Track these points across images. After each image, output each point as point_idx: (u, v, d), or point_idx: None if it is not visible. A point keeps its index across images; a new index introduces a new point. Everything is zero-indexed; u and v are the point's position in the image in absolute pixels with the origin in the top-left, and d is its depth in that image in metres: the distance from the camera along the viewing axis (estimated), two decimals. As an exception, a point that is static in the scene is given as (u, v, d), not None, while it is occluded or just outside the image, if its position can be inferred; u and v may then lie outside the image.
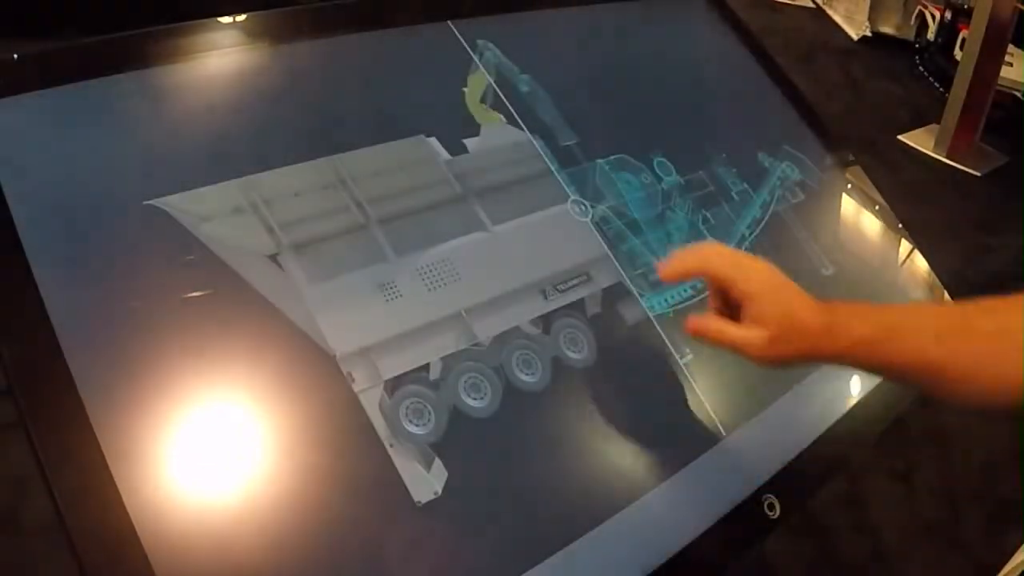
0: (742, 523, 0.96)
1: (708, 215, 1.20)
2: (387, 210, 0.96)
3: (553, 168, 1.11)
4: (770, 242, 1.23)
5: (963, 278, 1.99)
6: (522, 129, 1.12)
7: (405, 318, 0.90)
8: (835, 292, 1.26)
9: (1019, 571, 1.50)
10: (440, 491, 0.82)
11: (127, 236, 0.83)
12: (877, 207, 1.42)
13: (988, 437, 2.08)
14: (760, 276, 0.78)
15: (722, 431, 1.02)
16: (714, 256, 0.82)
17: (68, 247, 0.80)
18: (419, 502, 0.81)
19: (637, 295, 1.06)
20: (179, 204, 0.86)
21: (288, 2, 1.18)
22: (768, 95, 1.46)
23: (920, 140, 3.37)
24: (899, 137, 3.41)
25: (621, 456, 0.95)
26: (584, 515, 0.88)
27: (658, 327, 1.05)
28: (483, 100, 1.12)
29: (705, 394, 1.04)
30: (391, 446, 0.82)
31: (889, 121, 3.55)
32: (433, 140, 1.04)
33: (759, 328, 0.76)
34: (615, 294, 1.05)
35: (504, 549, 0.84)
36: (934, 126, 3.36)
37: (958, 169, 3.23)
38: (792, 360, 0.77)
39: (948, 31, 3.68)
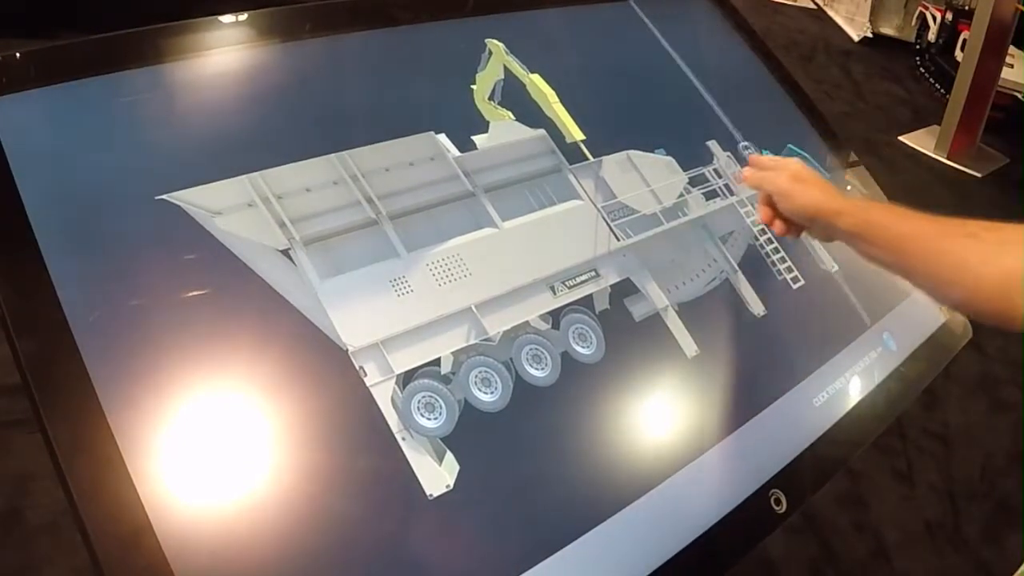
0: (750, 517, 0.97)
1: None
2: (397, 206, 0.97)
3: (562, 165, 1.12)
4: (775, 239, 1.23)
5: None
6: (530, 126, 1.13)
7: (416, 313, 0.91)
8: (838, 289, 1.27)
9: None
10: (452, 484, 0.83)
11: (140, 231, 0.84)
12: (880, 206, 1.43)
13: (988, 437, 2.10)
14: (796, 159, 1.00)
15: (728, 427, 1.03)
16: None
17: (82, 242, 0.81)
18: (431, 495, 0.82)
19: (644, 291, 1.07)
20: (191, 199, 0.87)
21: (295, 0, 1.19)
22: (772, 95, 1.47)
23: (921, 141, 3.39)
24: (900, 138, 3.43)
25: (631, 450, 0.96)
26: (594, 508, 0.88)
27: (667, 323, 1.06)
28: (491, 97, 1.13)
29: (712, 390, 1.05)
30: (403, 439, 0.83)
31: (890, 122, 3.56)
32: (442, 136, 1.05)
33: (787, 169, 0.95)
34: (623, 290, 1.05)
35: (515, 542, 0.84)
36: (935, 127, 3.38)
37: (959, 170, 3.25)
38: (806, 198, 0.90)
39: (949, 32, 3.70)
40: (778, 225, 0.94)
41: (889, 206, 0.90)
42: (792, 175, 0.93)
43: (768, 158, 1.02)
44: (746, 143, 1.31)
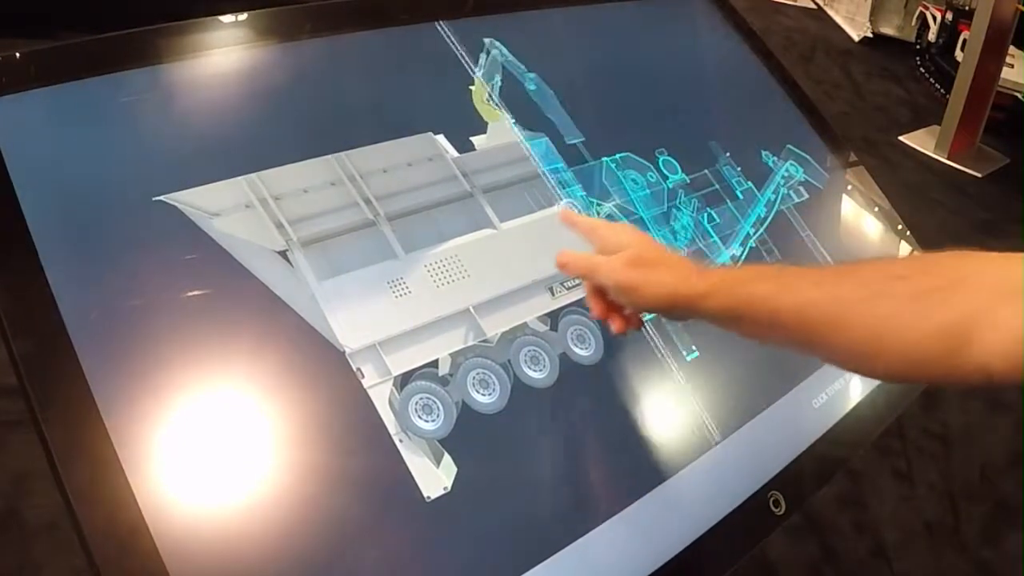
0: (749, 519, 0.97)
1: (713, 213, 1.21)
2: (396, 207, 0.97)
3: (560, 166, 1.12)
4: (774, 241, 1.23)
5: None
6: (529, 128, 1.13)
7: (414, 314, 0.90)
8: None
9: None
10: (449, 486, 0.82)
11: (137, 232, 0.84)
12: (879, 208, 1.42)
13: (988, 437, 2.09)
14: (626, 226, 0.81)
15: (727, 429, 1.03)
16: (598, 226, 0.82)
17: (79, 243, 0.81)
18: (428, 497, 0.81)
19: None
20: (189, 200, 0.86)
21: (294, 0, 1.19)
22: (772, 95, 1.47)
23: (921, 141, 3.38)
24: (900, 138, 3.43)
25: (629, 451, 0.95)
26: (593, 510, 0.88)
27: (665, 325, 1.05)
28: (490, 98, 1.13)
29: (710, 391, 1.04)
30: (400, 441, 0.83)
31: (890, 122, 3.56)
32: (440, 137, 1.05)
33: (621, 252, 0.75)
34: (622, 292, 1.05)
35: (513, 544, 0.84)
36: (935, 127, 3.38)
37: (959, 170, 3.25)
38: (655, 289, 0.72)
39: (949, 32, 3.70)
40: (618, 322, 0.76)
41: (770, 271, 0.70)
42: (630, 259, 0.73)
43: (586, 222, 0.82)
44: (569, 200, 1.07)
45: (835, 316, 0.62)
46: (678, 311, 0.72)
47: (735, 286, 0.69)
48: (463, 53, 1.15)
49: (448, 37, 1.16)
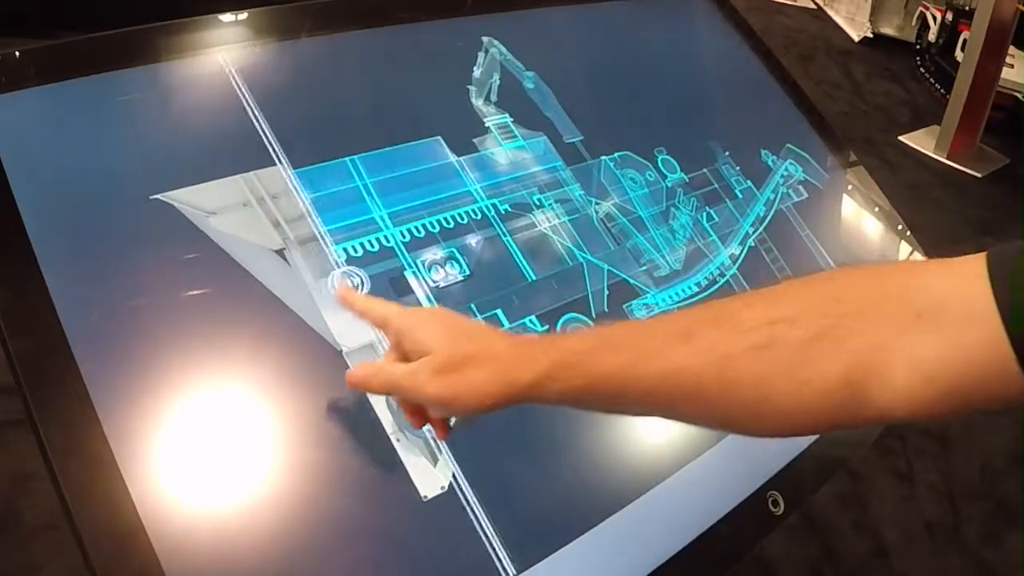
0: (747, 519, 0.96)
1: (712, 212, 1.21)
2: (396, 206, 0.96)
3: (558, 165, 1.12)
4: (773, 240, 1.23)
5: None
6: (527, 126, 1.13)
7: (412, 313, 0.90)
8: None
9: None
10: (446, 486, 0.82)
11: (134, 231, 0.84)
12: (879, 207, 1.42)
13: (988, 437, 2.09)
14: (424, 311, 0.66)
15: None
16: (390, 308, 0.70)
17: (75, 242, 0.81)
18: (425, 497, 0.81)
19: (642, 292, 1.06)
20: (185, 198, 0.86)
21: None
22: (771, 94, 1.46)
23: (921, 141, 3.38)
24: (900, 138, 3.42)
25: (628, 452, 0.95)
26: (591, 510, 0.88)
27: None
28: (488, 97, 1.13)
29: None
30: (398, 441, 0.82)
31: (890, 122, 3.56)
32: (439, 139, 1.04)
33: (424, 359, 0.61)
34: (621, 292, 1.05)
35: (510, 544, 0.83)
36: (935, 127, 3.37)
37: (959, 170, 3.24)
38: (477, 395, 0.60)
39: (949, 32, 3.68)
40: (440, 429, 0.68)
41: (619, 335, 0.60)
42: (438, 367, 0.60)
43: (374, 311, 0.69)
44: (349, 269, 0.90)
45: (708, 385, 0.54)
46: (511, 404, 0.61)
47: (577, 364, 0.58)
48: (461, 52, 1.15)
49: (445, 36, 1.16)
